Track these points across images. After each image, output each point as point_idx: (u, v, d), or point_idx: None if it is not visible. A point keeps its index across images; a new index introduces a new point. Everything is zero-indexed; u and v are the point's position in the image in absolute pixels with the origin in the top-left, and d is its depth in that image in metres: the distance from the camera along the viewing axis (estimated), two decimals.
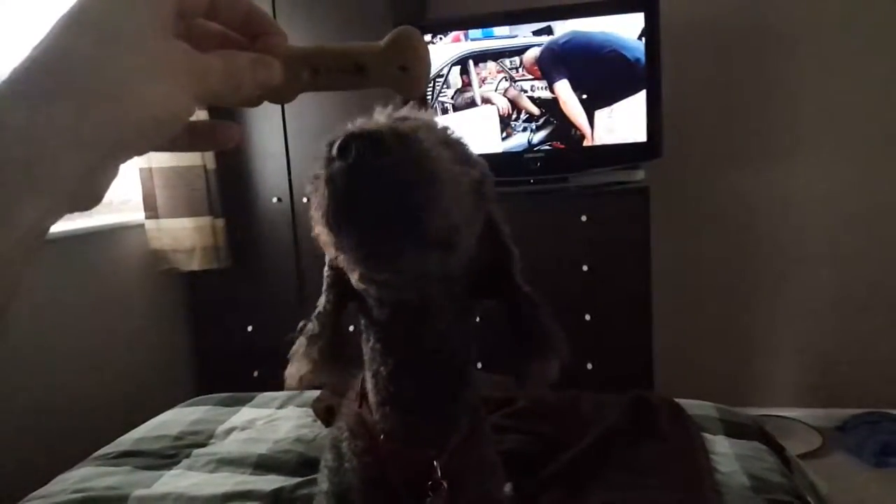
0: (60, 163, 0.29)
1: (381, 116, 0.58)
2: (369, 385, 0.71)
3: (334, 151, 0.51)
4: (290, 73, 0.40)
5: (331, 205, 0.53)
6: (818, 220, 2.59)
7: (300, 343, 0.72)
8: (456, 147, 0.62)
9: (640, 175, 2.31)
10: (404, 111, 0.61)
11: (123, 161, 0.33)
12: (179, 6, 0.35)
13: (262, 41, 0.40)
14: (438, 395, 0.70)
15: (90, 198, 0.32)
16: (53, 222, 0.31)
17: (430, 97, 2.36)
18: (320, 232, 0.57)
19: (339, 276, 0.70)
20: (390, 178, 0.51)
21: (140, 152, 0.34)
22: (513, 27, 2.28)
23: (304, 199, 2.35)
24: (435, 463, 0.69)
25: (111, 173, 0.32)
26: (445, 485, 0.69)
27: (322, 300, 0.74)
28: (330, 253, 0.60)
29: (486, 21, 2.30)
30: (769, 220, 2.64)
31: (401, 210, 0.52)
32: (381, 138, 0.50)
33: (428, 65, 0.42)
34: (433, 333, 0.67)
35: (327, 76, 0.41)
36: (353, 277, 0.60)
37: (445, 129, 0.63)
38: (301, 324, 0.74)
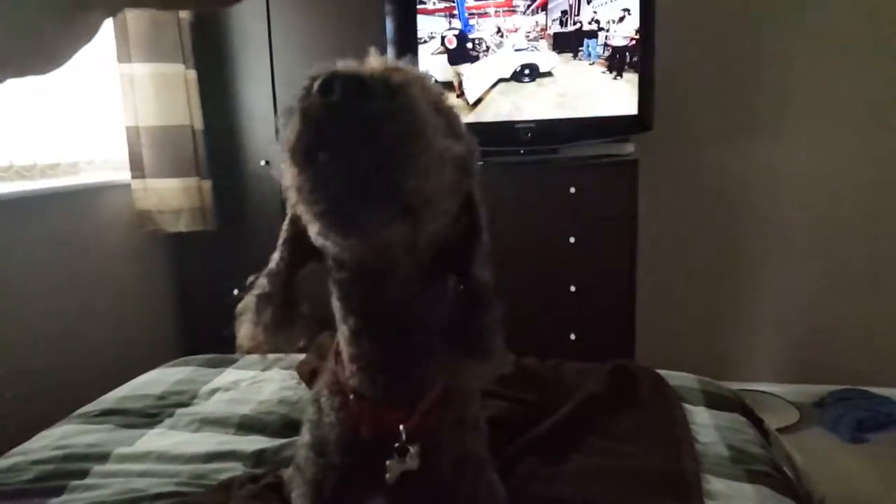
0: None
1: (375, 61, 0.54)
2: (341, 342, 0.70)
3: (315, 86, 0.47)
4: None
5: (300, 140, 0.48)
6: (802, 197, 2.61)
7: (248, 302, 0.68)
8: (447, 115, 0.58)
9: (629, 148, 2.30)
10: (401, 63, 0.56)
11: (81, 10, 0.27)
12: None
13: None
14: (403, 359, 0.68)
15: (36, 57, 0.26)
16: None
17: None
18: (284, 170, 0.52)
19: (297, 230, 0.66)
20: (369, 126, 0.47)
21: (112, 2, 0.28)
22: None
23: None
24: (401, 427, 0.68)
25: (65, 25, 0.26)
26: (413, 450, 0.69)
27: (275, 256, 0.70)
28: (290, 196, 0.55)
29: None
30: (755, 195, 2.64)
31: (374, 165, 0.48)
32: (367, 83, 0.46)
33: None
34: (395, 300, 0.64)
35: None
36: (311, 231, 0.55)
37: (441, 93, 0.59)
38: (251, 279, 0.70)
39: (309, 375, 1.43)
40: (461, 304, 0.66)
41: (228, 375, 1.56)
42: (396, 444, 0.69)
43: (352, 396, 0.70)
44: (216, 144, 2.44)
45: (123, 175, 2.39)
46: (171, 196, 2.37)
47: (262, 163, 2.45)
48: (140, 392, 1.46)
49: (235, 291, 2.43)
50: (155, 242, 2.52)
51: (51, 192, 2.02)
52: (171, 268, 2.62)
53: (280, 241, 0.70)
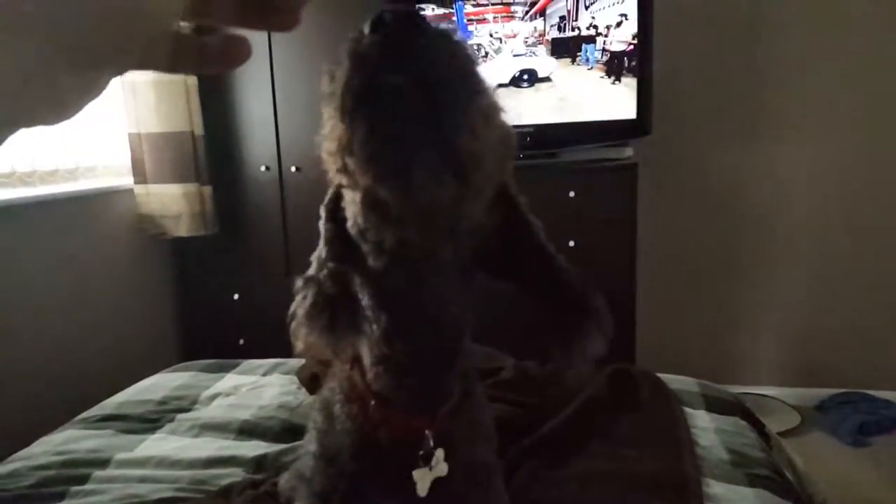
0: None
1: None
2: (362, 346, 0.67)
3: (366, 27, 0.44)
4: None
5: (350, 82, 0.45)
6: (801, 201, 2.61)
7: (307, 306, 0.62)
8: (495, 102, 0.54)
9: (628, 152, 2.31)
10: None
11: (89, 68, 0.27)
12: None
13: None
14: (432, 361, 0.66)
15: (44, 110, 0.27)
16: (4, 133, 0.26)
17: None
18: (328, 132, 0.50)
19: (336, 230, 0.63)
20: (427, 65, 0.43)
21: (112, 61, 0.28)
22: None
23: (293, 169, 2.35)
24: (427, 432, 0.66)
25: (70, 80, 0.27)
26: (439, 454, 0.67)
27: (323, 254, 0.65)
28: (333, 164, 0.51)
29: None
30: (754, 199, 2.65)
31: (430, 108, 0.45)
32: (423, 19, 0.43)
33: None
34: (431, 292, 0.61)
35: None
36: (356, 201, 0.52)
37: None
38: (300, 282, 0.64)
39: (309, 380, 1.43)
40: (544, 289, 0.63)
41: (229, 380, 1.56)
42: (421, 452, 0.66)
43: (373, 402, 0.67)
44: (217, 150, 2.45)
45: (125, 180, 2.40)
46: (171, 201, 2.38)
47: (263, 168, 2.45)
48: (141, 397, 1.46)
49: (236, 296, 2.44)
50: (156, 247, 2.52)
51: (53, 197, 2.03)
52: (172, 272, 2.62)
53: (323, 240, 0.65)
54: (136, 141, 2.35)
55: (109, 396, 1.49)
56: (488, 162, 0.51)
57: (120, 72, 0.29)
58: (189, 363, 1.71)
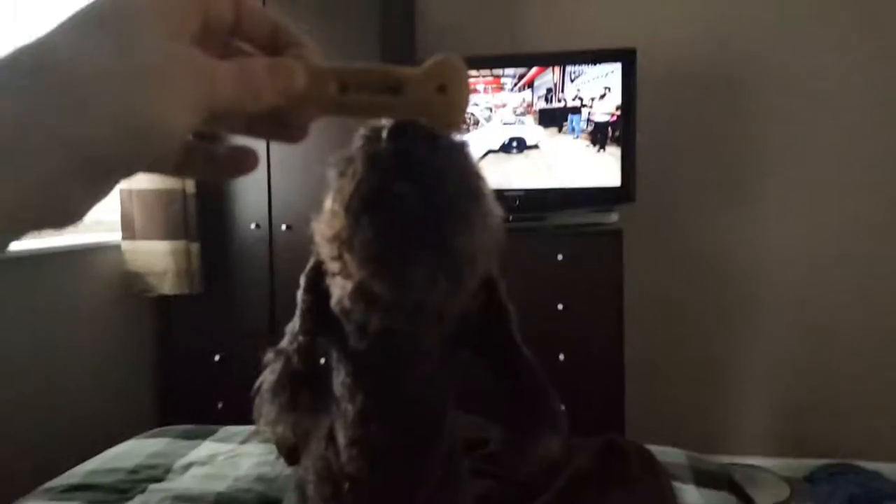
0: None
1: None
2: (337, 425, 0.66)
3: (384, 133, 0.46)
4: (315, 85, 0.35)
5: (362, 185, 0.47)
6: (786, 268, 2.64)
7: (271, 382, 0.63)
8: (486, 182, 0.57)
9: (613, 217, 2.34)
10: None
11: (102, 178, 0.28)
12: (204, 15, 0.32)
13: (289, 53, 0.36)
14: (410, 443, 0.64)
15: (55, 215, 0.28)
16: (8, 238, 0.27)
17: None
18: (329, 221, 0.51)
19: (315, 302, 0.63)
20: (436, 177, 0.46)
21: (122, 169, 0.29)
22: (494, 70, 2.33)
23: (283, 227, 2.36)
24: None
25: (81, 189, 0.28)
26: None
27: (296, 327, 0.65)
28: (328, 251, 0.53)
29: (471, 64, 2.33)
30: (738, 266, 2.67)
31: (433, 216, 0.47)
32: (436, 135, 0.46)
33: (468, 91, 0.38)
34: (412, 375, 0.61)
35: (357, 94, 0.36)
36: (345, 288, 0.53)
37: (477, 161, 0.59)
38: (270, 354, 0.65)
39: (288, 451, 1.38)
40: (510, 382, 0.64)
41: (205, 449, 1.51)
42: None
43: (347, 485, 0.65)
44: (207, 207, 2.45)
45: (114, 236, 2.38)
46: (157, 258, 2.36)
47: (253, 226, 2.45)
48: (112, 465, 1.40)
49: (217, 357, 2.39)
50: (139, 305, 2.49)
51: (38, 252, 2.01)
52: (153, 331, 2.58)
53: (299, 311, 0.66)
54: (126, 197, 2.35)
55: (79, 463, 1.44)
56: (481, 262, 0.53)
57: (128, 175, 0.29)
58: (164, 429, 1.66)
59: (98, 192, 0.28)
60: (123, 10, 0.29)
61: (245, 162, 0.38)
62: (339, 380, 0.64)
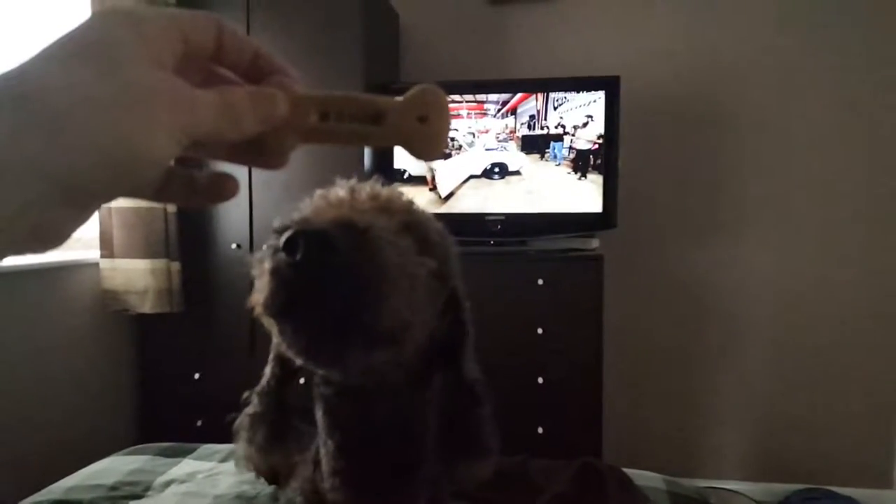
0: None
1: (341, 190, 0.57)
2: (322, 453, 0.68)
3: (281, 243, 0.48)
4: (296, 114, 0.36)
5: (272, 296, 0.50)
6: (764, 295, 2.69)
7: (243, 421, 0.68)
8: (419, 228, 0.59)
9: (594, 244, 2.38)
10: (367, 186, 0.59)
11: (82, 205, 0.29)
12: (185, 43, 0.32)
13: (270, 81, 0.37)
14: (389, 472, 0.66)
15: (37, 241, 0.28)
16: None
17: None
18: (262, 316, 0.54)
19: None
20: (338, 278, 0.48)
21: (103, 196, 0.29)
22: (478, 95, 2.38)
23: (264, 247, 2.34)
24: None
25: (62, 215, 0.28)
26: None
27: (267, 372, 0.70)
28: (272, 334, 0.56)
29: (455, 89, 2.38)
30: (717, 293, 2.72)
31: (346, 311, 0.49)
32: (330, 238, 0.47)
33: (448, 122, 0.38)
34: (382, 412, 0.64)
35: (338, 122, 0.36)
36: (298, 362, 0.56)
37: (410, 204, 0.61)
38: (245, 395, 0.70)
39: (268, 471, 1.38)
40: (453, 403, 0.66)
41: (185, 466, 1.50)
42: None
43: None
44: (188, 226, 2.45)
45: (92, 254, 2.37)
46: (138, 276, 2.35)
47: (234, 246, 2.45)
48: (91, 482, 1.39)
49: (196, 375, 2.38)
50: (117, 323, 2.47)
51: (15, 269, 1.99)
52: (134, 350, 2.56)
53: (270, 355, 0.70)
54: (105, 214, 2.34)
55: (60, 477, 1.42)
56: (420, 311, 0.55)
57: (108, 200, 0.30)
58: (144, 446, 1.65)
59: (79, 217, 0.29)
60: (105, 39, 0.29)
61: (226, 188, 0.39)
62: (319, 414, 0.67)
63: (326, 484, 0.67)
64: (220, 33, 0.35)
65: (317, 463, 0.70)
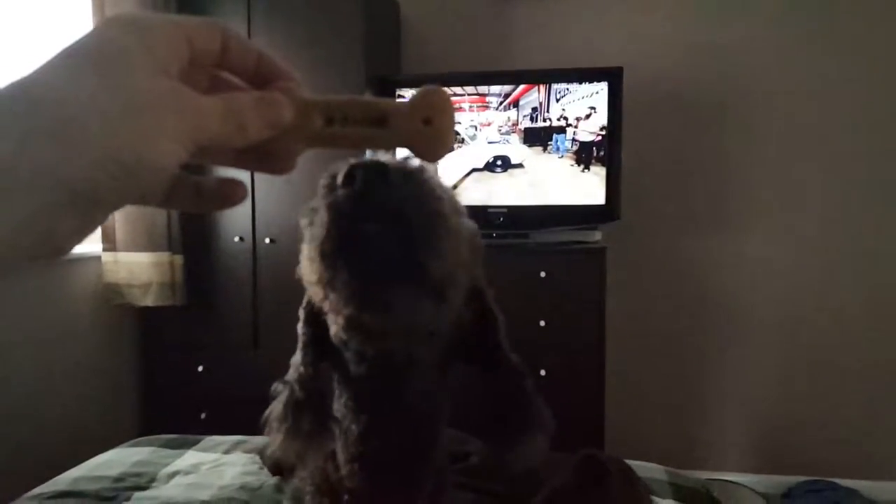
0: None
1: (383, 155, 0.56)
2: (338, 442, 0.68)
3: (339, 180, 0.49)
4: (301, 118, 0.36)
5: (330, 232, 0.50)
6: (768, 287, 2.68)
7: (278, 411, 0.66)
8: (453, 198, 0.60)
9: (597, 236, 2.38)
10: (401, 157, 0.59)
11: (91, 212, 0.29)
12: (190, 49, 0.33)
13: (274, 86, 0.37)
14: (408, 456, 0.67)
15: (46, 248, 0.28)
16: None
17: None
18: (310, 268, 0.54)
19: (315, 332, 0.67)
20: (396, 212, 0.49)
21: (112, 203, 0.29)
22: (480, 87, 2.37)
23: (267, 240, 2.38)
24: None
25: (70, 223, 0.28)
26: None
27: (298, 360, 0.69)
28: (315, 293, 0.56)
29: (457, 81, 2.38)
30: (719, 285, 2.72)
31: (403, 247, 0.50)
32: (388, 170, 0.48)
33: (453, 122, 0.39)
34: (412, 392, 0.64)
35: (342, 126, 0.37)
36: (338, 322, 0.56)
37: (440, 178, 0.62)
38: (275, 386, 0.69)
39: (272, 462, 1.39)
40: (501, 385, 0.66)
41: (189, 458, 1.51)
42: None
43: (346, 497, 0.68)
44: (191, 219, 2.45)
45: (93, 247, 2.38)
46: (140, 270, 2.35)
47: (237, 239, 2.46)
48: (97, 473, 1.40)
49: (200, 368, 2.38)
50: (120, 316, 2.48)
51: None
52: (137, 343, 2.57)
53: (300, 343, 0.69)
54: None
55: (65, 470, 1.43)
56: (461, 276, 0.56)
57: (117, 208, 0.30)
58: (148, 438, 1.66)
59: (87, 225, 0.29)
60: (112, 47, 0.30)
61: (233, 194, 0.39)
62: (342, 401, 0.67)
63: (344, 470, 0.68)
64: (225, 39, 0.35)
65: (331, 453, 0.70)
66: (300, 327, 0.68)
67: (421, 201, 0.50)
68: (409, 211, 0.49)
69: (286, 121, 0.35)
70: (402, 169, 0.50)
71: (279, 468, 1.28)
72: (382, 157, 0.55)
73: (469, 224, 0.60)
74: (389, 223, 0.49)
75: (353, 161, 0.49)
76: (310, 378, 0.67)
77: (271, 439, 0.66)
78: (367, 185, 0.48)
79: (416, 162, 0.52)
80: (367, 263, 0.50)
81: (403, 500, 0.68)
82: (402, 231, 0.49)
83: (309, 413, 0.65)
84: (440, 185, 0.57)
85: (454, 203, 0.59)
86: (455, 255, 0.54)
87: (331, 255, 0.51)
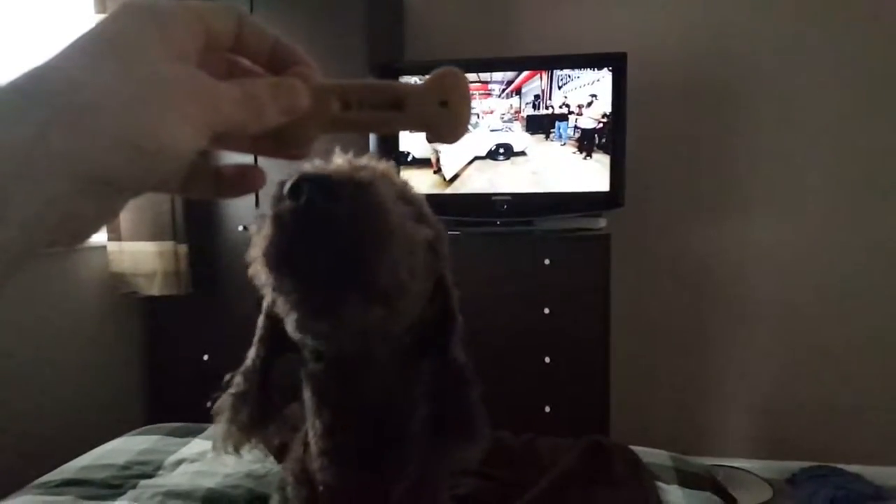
0: (8, 193, 0.25)
1: (340, 160, 0.57)
2: (310, 434, 0.69)
3: (285, 191, 0.49)
4: (318, 103, 0.36)
5: (274, 244, 0.50)
6: (771, 273, 2.68)
7: (225, 402, 0.68)
8: (414, 204, 0.60)
9: (601, 223, 2.37)
10: (364, 159, 0.59)
11: (110, 199, 0.29)
12: (206, 35, 0.33)
13: (290, 72, 0.37)
14: (377, 449, 0.67)
15: (66, 235, 0.29)
16: (16, 258, 0.27)
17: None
18: (259, 272, 0.54)
19: (274, 325, 0.67)
20: (339, 225, 0.49)
21: (130, 189, 0.29)
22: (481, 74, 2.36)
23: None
24: None
25: (90, 209, 0.28)
26: None
27: (251, 353, 0.70)
28: (266, 295, 0.57)
29: (460, 68, 2.35)
30: (724, 271, 2.71)
31: (346, 260, 0.50)
32: (334, 184, 0.48)
33: (469, 104, 0.38)
34: (371, 388, 0.65)
35: (359, 110, 0.36)
36: (289, 325, 0.56)
37: (405, 183, 0.62)
38: (227, 377, 0.70)
39: (278, 449, 1.39)
40: (441, 387, 0.66)
41: (195, 446, 1.52)
42: None
43: (321, 488, 0.68)
44: (195, 209, 2.45)
45: (99, 237, 2.38)
46: (146, 259, 2.36)
47: (240, 228, 2.46)
48: (103, 461, 1.41)
49: (205, 357, 2.39)
50: (127, 306, 2.49)
51: None
52: (142, 332, 2.58)
53: (256, 337, 0.70)
54: None
55: (72, 458, 1.44)
56: (414, 278, 0.56)
57: (136, 195, 0.31)
58: (154, 426, 1.67)
59: (107, 211, 0.30)
60: (128, 34, 0.30)
61: (252, 180, 0.39)
62: (307, 395, 0.68)
63: (315, 464, 0.69)
64: (241, 24, 0.35)
65: (306, 444, 0.71)
66: (260, 320, 0.70)
67: (366, 215, 0.50)
68: (353, 225, 0.49)
69: (303, 106, 0.35)
70: (350, 182, 0.50)
71: (284, 456, 1.28)
72: (332, 167, 0.55)
73: (427, 231, 0.60)
74: (332, 236, 0.49)
75: (300, 172, 0.49)
76: (254, 372, 0.68)
77: (219, 430, 0.67)
78: (312, 199, 0.47)
79: (366, 174, 0.52)
80: (310, 274, 0.51)
81: (375, 492, 0.68)
82: (345, 243, 0.49)
83: (249, 405, 0.67)
84: (402, 194, 0.57)
85: (417, 210, 0.59)
86: (405, 264, 0.54)
87: (276, 265, 0.51)
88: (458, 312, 0.68)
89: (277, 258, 0.51)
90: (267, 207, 0.52)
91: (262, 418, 0.67)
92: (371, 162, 0.59)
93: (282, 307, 0.55)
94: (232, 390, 0.69)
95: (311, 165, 0.54)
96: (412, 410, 0.67)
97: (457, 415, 0.66)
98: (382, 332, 0.59)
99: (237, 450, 0.68)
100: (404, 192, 0.60)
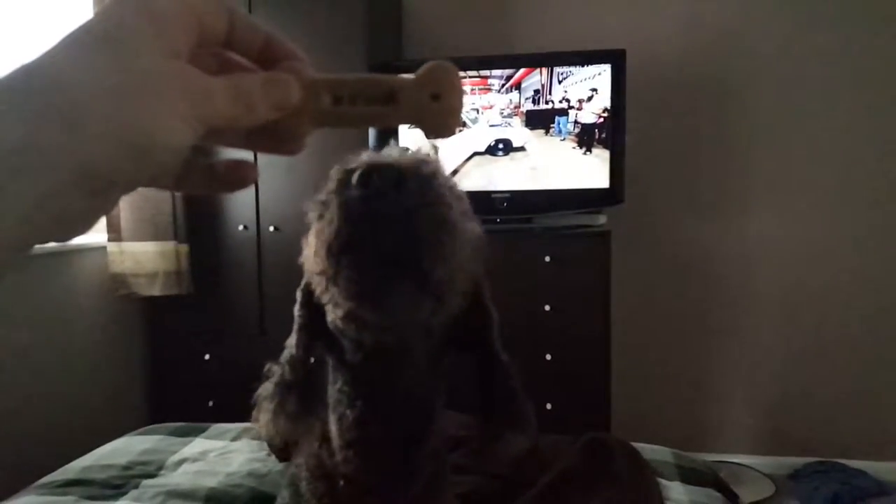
0: (3, 188, 0.25)
1: (395, 151, 0.57)
2: (333, 428, 0.68)
3: (354, 179, 0.49)
4: (309, 98, 0.36)
5: (339, 231, 0.51)
6: (772, 269, 2.67)
7: (268, 391, 0.67)
8: (462, 199, 0.60)
9: (601, 220, 2.37)
10: (415, 150, 0.58)
11: (103, 194, 0.29)
12: (198, 30, 0.33)
13: (281, 67, 0.37)
14: (403, 442, 0.68)
15: (59, 230, 0.29)
16: (12, 251, 0.27)
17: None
18: (314, 260, 0.54)
19: (311, 316, 0.67)
20: (406, 217, 0.49)
21: (123, 184, 0.30)
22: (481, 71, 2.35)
23: (271, 228, 2.38)
24: None
25: (83, 204, 0.28)
26: None
27: (292, 342, 0.69)
28: (317, 283, 0.57)
29: (459, 64, 2.35)
30: (725, 268, 2.71)
31: (409, 251, 0.51)
32: (404, 175, 0.49)
33: (462, 98, 0.38)
34: (406, 379, 0.65)
35: (351, 105, 0.36)
36: (336, 314, 0.57)
37: (452, 178, 0.62)
38: (268, 367, 0.70)
39: (279, 449, 1.39)
40: (485, 380, 0.68)
41: (197, 445, 1.52)
42: None
43: (342, 483, 0.68)
44: (195, 209, 2.46)
45: (99, 238, 2.38)
46: (146, 259, 2.36)
47: (241, 228, 2.46)
48: (105, 461, 1.41)
49: (207, 356, 2.39)
50: (126, 306, 2.48)
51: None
52: (143, 332, 2.58)
53: (296, 326, 0.70)
54: None
55: (74, 458, 1.44)
56: (461, 280, 0.57)
57: (130, 190, 0.31)
58: (156, 426, 1.67)
59: (100, 206, 0.30)
60: (121, 29, 0.30)
61: (244, 175, 0.39)
62: (337, 387, 0.67)
63: (339, 456, 0.68)
64: (232, 19, 0.35)
65: (324, 439, 0.71)
66: (297, 309, 0.69)
67: (431, 208, 0.51)
68: (418, 217, 0.50)
69: (294, 100, 0.35)
70: (417, 173, 0.50)
71: (287, 455, 1.28)
72: (397, 155, 0.55)
73: (474, 227, 0.60)
74: (398, 228, 0.49)
75: (369, 160, 0.50)
76: (300, 361, 0.68)
77: (258, 418, 0.67)
78: (382, 188, 0.48)
79: (430, 167, 0.53)
80: (372, 264, 0.51)
81: (399, 485, 0.69)
82: (410, 236, 0.50)
83: (296, 395, 0.66)
84: (451, 190, 0.57)
85: (463, 207, 0.60)
86: (457, 261, 0.55)
87: (337, 253, 0.52)
88: (493, 309, 0.69)
89: (341, 245, 0.51)
90: (325, 193, 0.52)
91: (309, 408, 0.67)
92: (427, 154, 0.59)
93: (334, 296, 0.55)
94: (275, 379, 0.68)
95: (371, 155, 0.54)
96: (435, 407, 0.68)
97: (507, 408, 0.67)
98: (427, 325, 0.60)
99: (286, 440, 0.68)
100: (454, 187, 0.60)
